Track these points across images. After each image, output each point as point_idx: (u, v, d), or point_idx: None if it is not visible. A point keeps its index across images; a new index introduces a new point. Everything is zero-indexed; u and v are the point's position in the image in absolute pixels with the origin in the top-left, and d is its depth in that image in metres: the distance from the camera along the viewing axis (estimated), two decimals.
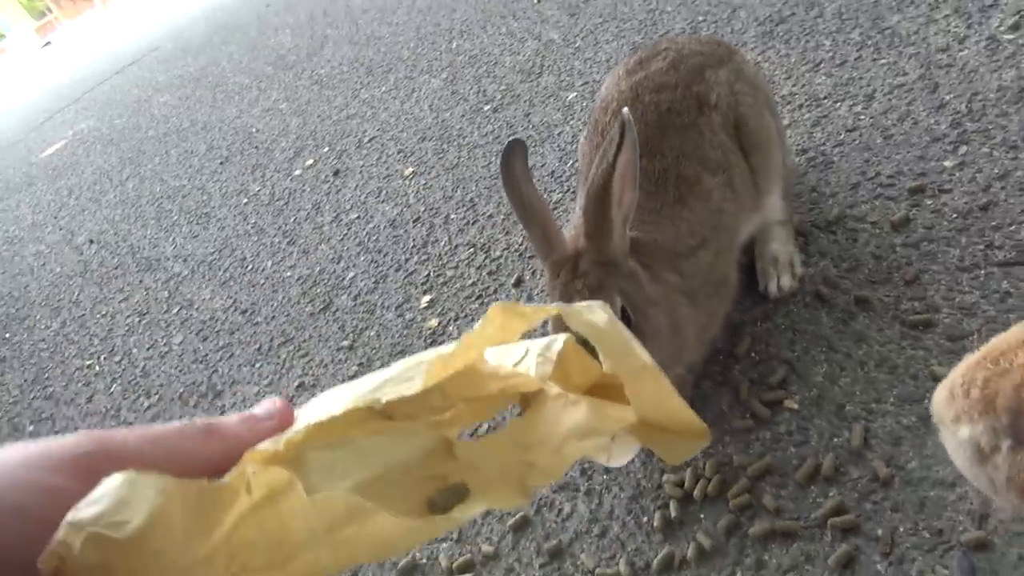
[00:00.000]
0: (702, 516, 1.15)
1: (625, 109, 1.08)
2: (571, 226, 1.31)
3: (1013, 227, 1.28)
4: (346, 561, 0.43)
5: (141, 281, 2.98)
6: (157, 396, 2.22)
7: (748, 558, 1.06)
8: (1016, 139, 1.43)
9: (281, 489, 0.41)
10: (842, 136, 1.68)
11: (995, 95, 1.56)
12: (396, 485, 0.45)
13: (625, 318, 1.08)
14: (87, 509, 0.35)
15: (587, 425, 0.49)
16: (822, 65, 1.95)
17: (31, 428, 2.45)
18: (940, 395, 0.69)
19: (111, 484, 0.36)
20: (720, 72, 1.39)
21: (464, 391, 0.50)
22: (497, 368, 0.52)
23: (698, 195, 1.27)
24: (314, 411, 0.46)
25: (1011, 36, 1.67)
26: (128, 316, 2.78)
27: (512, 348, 0.52)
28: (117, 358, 2.54)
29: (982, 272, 1.24)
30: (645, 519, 1.19)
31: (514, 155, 1.16)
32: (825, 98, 1.83)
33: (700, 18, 2.55)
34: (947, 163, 1.47)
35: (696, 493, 1.17)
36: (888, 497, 1.03)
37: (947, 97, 1.62)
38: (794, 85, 1.94)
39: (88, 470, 0.37)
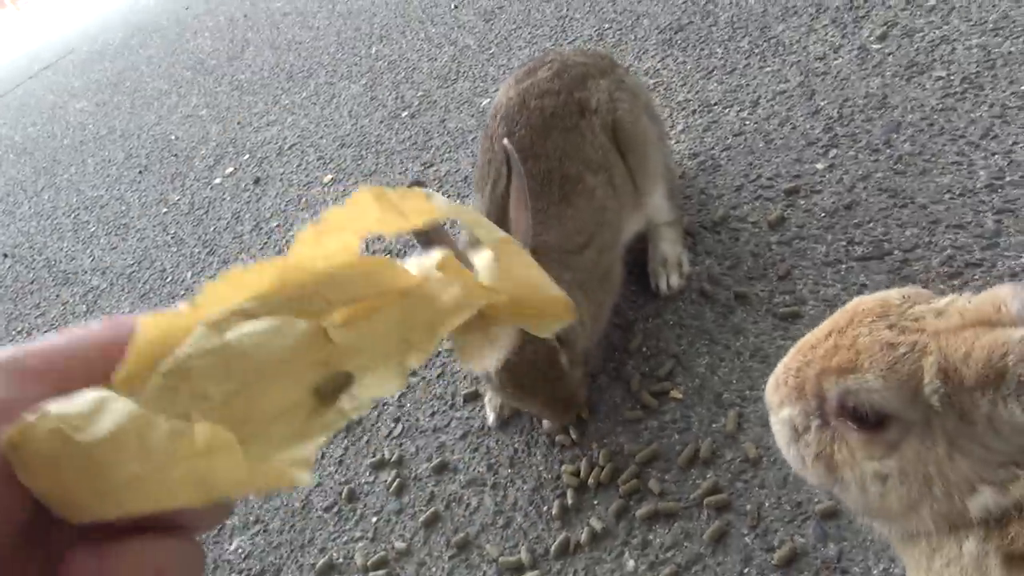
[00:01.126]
0: (595, 502, 1.24)
1: (505, 141, 1.16)
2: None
3: (871, 224, 1.41)
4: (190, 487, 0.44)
5: (58, 296, 2.93)
6: None
7: (635, 538, 1.16)
8: (878, 143, 1.57)
9: (221, 447, 0.42)
10: (729, 140, 1.80)
11: (863, 101, 1.69)
12: (279, 378, 0.44)
13: (562, 339, 1.20)
14: (59, 406, 0.39)
15: (462, 299, 0.49)
16: (714, 72, 2.07)
17: None
18: (769, 384, 0.79)
19: (86, 395, 0.40)
20: (601, 81, 1.49)
21: (341, 290, 0.48)
22: (371, 259, 0.50)
23: (581, 193, 1.35)
24: None
25: (879, 46, 1.82)
26: (45, 331, 2.73)
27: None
28: None
29: (843, 266, 1.36)
30: (545, 508, 1.27)
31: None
32: (716, 104, 1.95)
33: (606, 25, 2.65)
34: (819, 165, 1.60)
35: (591, 481, 1.26)
36: (757, 475, 1.14)
37: (822, 103, 1.75)
38: (689, 92, 2.05)
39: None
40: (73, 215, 3.60)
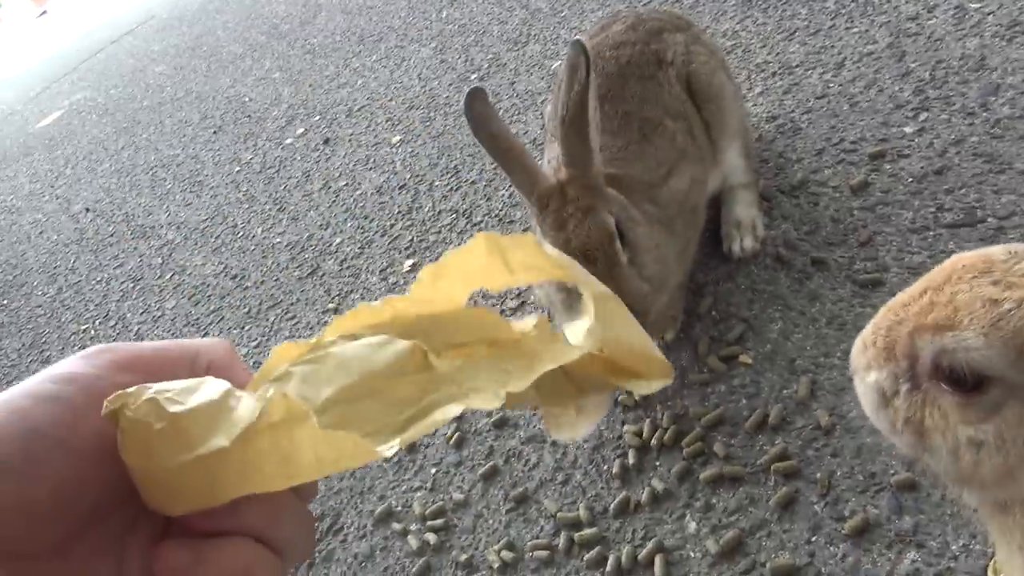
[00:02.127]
0: (658, 464, 1.21)
1: (578, 37, 1.13)
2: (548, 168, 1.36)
3: (963, 191, 1.33)
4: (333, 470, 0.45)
5: (135, 248, 3.03)
6: None
7: (698, 501, 1.13)
8: (974, 106, 1.48)
9: (297, 418, 0.43)
10: (811, 103, 1.73)
11: (958, 63, 1.59)
12: (376, 394, 0.47)
13: (622, 233, 1.14)
14: (158, 385, 0.41)
15: (561, 350, 0.50)
16: (797, 34, 1.98)
17: None
18: (855, 346, 0.75)
19: (189, 380, 0.43)
20: (677, 35, 1.45)
21: (449, 335, 0.51)
22: (480, 312, 0.54)
23: (661, 134, 1.33)
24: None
25: (977, 5, 1.70)
26: (123, 282, 2.83)
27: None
28: (112, 323, 2.61)
29: (931, 234, 1.29)
30: (605, 467, 1.25)
31: (475, 101, 1.21)
32: (797, 66, 1.87)
33: None
34: (907, 129, 1.51)
35: (653, 442, 1.23)
36: (829, 444, 1.10)
37: (912, 65, 1.65)
38: (769, 53, 1.97)
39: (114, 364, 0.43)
40: (151, 172, 3.71)
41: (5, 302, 3.26)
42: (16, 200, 4.50)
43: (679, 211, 1.28)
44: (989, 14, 1.67)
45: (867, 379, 0.71)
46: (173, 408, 0.41)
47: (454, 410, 0.46)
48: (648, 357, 0.53)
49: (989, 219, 1.26)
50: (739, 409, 1.21)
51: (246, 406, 0.43)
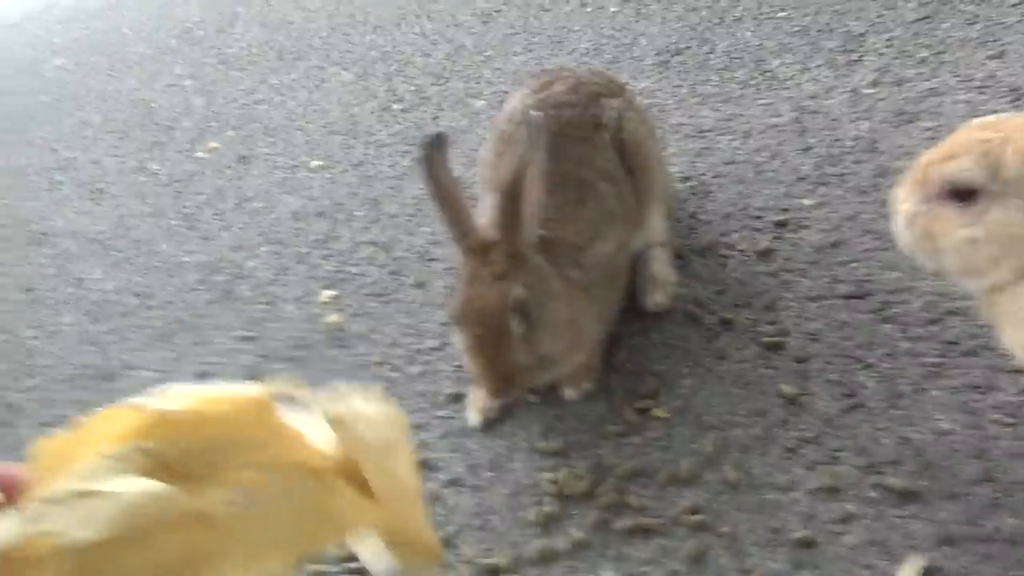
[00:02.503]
0: (574, 512, 1.27)
1: (534, 112, 1.19)
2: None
3: (855, 264, 1.47)
4: None
5: (27, 256, 2.86)
6: (42, 377, 2.17)
7: (612, 551, 1.19)
8: (866, 185, 1.63)
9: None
10: (721, 168, 1.85)
11: (852, 143, 1.76)
12: (137, 549, 0.44)
13: (522, 308, 1.19)
14: None
15: (348, 516, 0.50)
16: (709, 99, 2.12)
17: None
18: (896, 190, 1.03)
19: None
20: (613, 100, 1.54)
21: (241, 449, 0.49)
22: (285, 432, 0.52)
23: (594, 197, 1.42)
24: None
25: (871, 91, 1.89)
26: (12, 291, 2.67)
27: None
28: (1, 337, 2.45)
29: (827, 302, 1.42)
30: (522, 514, 1.30)
31: (435, 147, 1.27)
32: (709, 131, 2.00)
33: (604, 40, 2.69)
34: (807, 201, 1.65)
35: (570, 491, 1.29)
36: (735, 499, 1.18)
37: (812, 141, 1.81)
38: (683, 116, 2.10)
39: None
40: (47, 174, 3.51)
41: None
42: None
43: (601, 274, 1.36)
44: (880, 100, 1.85)
45: (902, 208, 1.00)
46: None
47: None
48: (422, 536, 0.54)
49: (878, 293, 1.40)
50: (653, 462, 1.28)
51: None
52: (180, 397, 0.48)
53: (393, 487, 0.50)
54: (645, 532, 1.19)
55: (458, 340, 1.28)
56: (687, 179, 1.86)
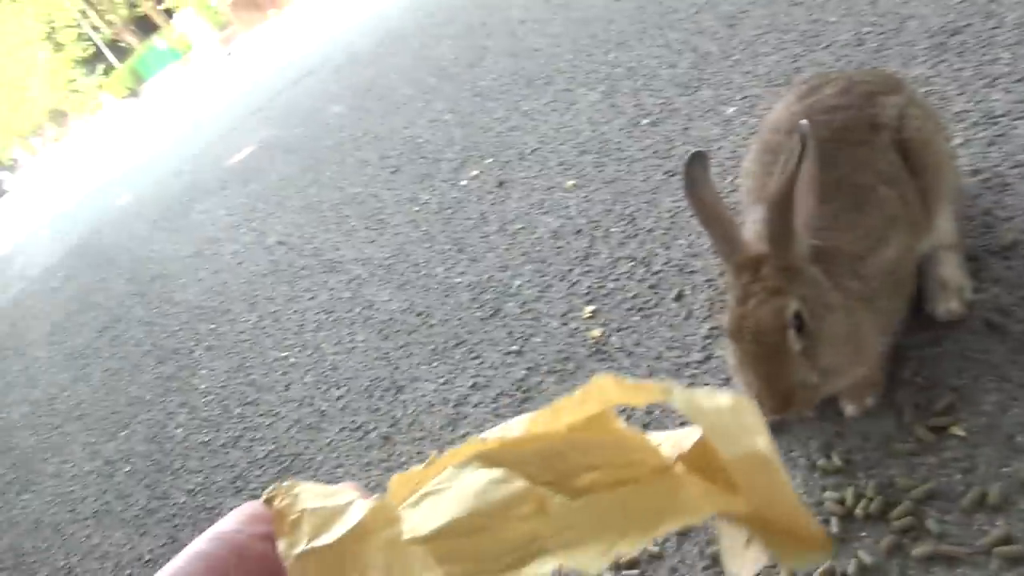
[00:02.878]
0: (863, 534, 1.21)
1: (803, 121, 1.16)
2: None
3: None
4: None
5: (326, 282, 3.31)
6: (345, 388, 2.49)
7: None
8: None
9: (391, 526, 0.47)
10: (1020, 157, 1.65)
11: None
12: (485, 532, 0.47)
13: (799, 323, 1.16)
14: (308, 485, 0.50)
15: (696, 504, 0.48)
16: (999, 80, 1.90)
17: (238, 410, 2.81)
18: None
19: (331, 487, 0.50)
20: (891, 98, 1.44)
21: (588, 455, 0.50)
22: (624, 430, 0.52)
23: (874, 202, 1.33)
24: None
25: None
26: (316, 313, 3.10)
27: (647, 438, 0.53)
28: (309, 352, 2.86)
29: None
30: None
31: (696, 164, 1.27)
32: (1003, 116, 1.79)
33: (866, 29, 2.51)
34: None
35: (858, 512, 1.23)
36: None
37: None
38: (968, 101, 1.90)
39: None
40: (336, 209, 4.03)
41: (212, 326, 3.64)
42: (216, 231, 5.00)
43: (885, 283, 1.28)
44: None
45: None
46: (305, 502, 0.48)
47: (548, 566, 0.45)
48: (802, 524, 0.49)
49: None
50: (953, 484, 1.18)
51: (355, 512, 0.47)
52: (518, 424, 0.53)
53: (756, 472, 0.47)
54: (948, 560, 1.10)
55: (731, 357, 1.28)
56: (978, 172, 1.68)
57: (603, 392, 0.50)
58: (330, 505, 0.48)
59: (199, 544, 0.50)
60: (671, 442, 0.53)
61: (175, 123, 13.19)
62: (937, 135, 1.44)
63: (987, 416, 1.23)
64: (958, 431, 1.24)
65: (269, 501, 0.49)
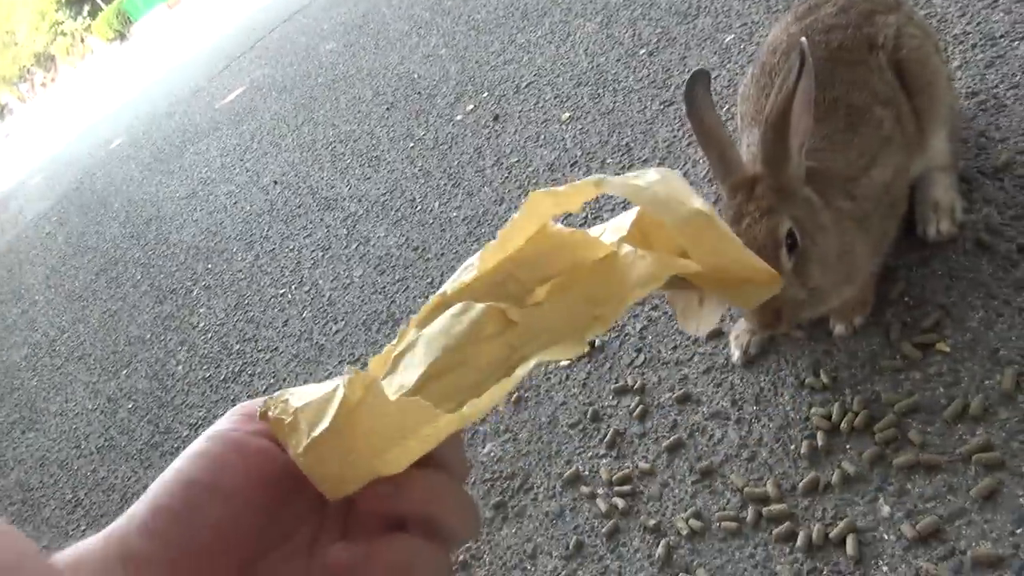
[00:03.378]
0: (848, 446, 1.24)
1: (803, 39, 1.14)
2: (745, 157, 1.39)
3: None
4: (433, 439, 0.47)
5: (322, 219, 3.31)
6: (343, 322, 2.51)
7: (891, 486, 1.15)
8: None
9: (372, 392, 0.47)
10: (1018, 78, 1.64)
11: None
12: (463, 364, 0.49)
13: (792, 242, 1.16)
14: (296, 389, 0.50)
15: (650, 272, 0.49)
16: (1000, 1, 1.87)
17: (237, 346, 2.84)
18: None
19: (319, 384, 0.50)
20: (889, 17, 1.42)
21: (535, 269, 0.52)
22: (562, 233, 0.53)
23: (868, 122, 1.33)
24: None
25: None
26: (313, 251, 3.11)
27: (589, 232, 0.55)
28: (306, 288, 2.88)
29: None
30: (792, 447, 1.29)
31: (698, 83, 1.26)
32: (1002, 37, 1.76)
33: None
34: None
35: (843, 426, 1.26)
36: None
37: None
38: (968, 23, 1.87)
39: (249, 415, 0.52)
40: (330, 148, 3.99)
41: (210, 266, 3.65)
42: (210, 172, 4.97)
43: (877, 204, 1.28)
44: None
45: None
46: (295, 403, 0.48)
47: (529, 365, 0.47)
48: (752, 267, 0.51)
49: None
50: (936, 398, 1.21)
51: (338, 392, 0.47)
52: (470, 267, 0.55)
53: (701, 230, 0.48)
54: (928, 468, 1.13)
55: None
56: (975, 94, 1.66)
57: (539, 206, 0.51)
58: (317, 396, 0.49)
59: (197, 444, 0.50)
60: (611, 229, 0.54)
61: (165, 65, 12.96)
62: (934, 55, 1.42)
63: (972, 332, 1.25)
64: (943, 347, 1.26)
65: (264, 415, 0.50)
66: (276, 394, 0.50)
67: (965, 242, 1.39)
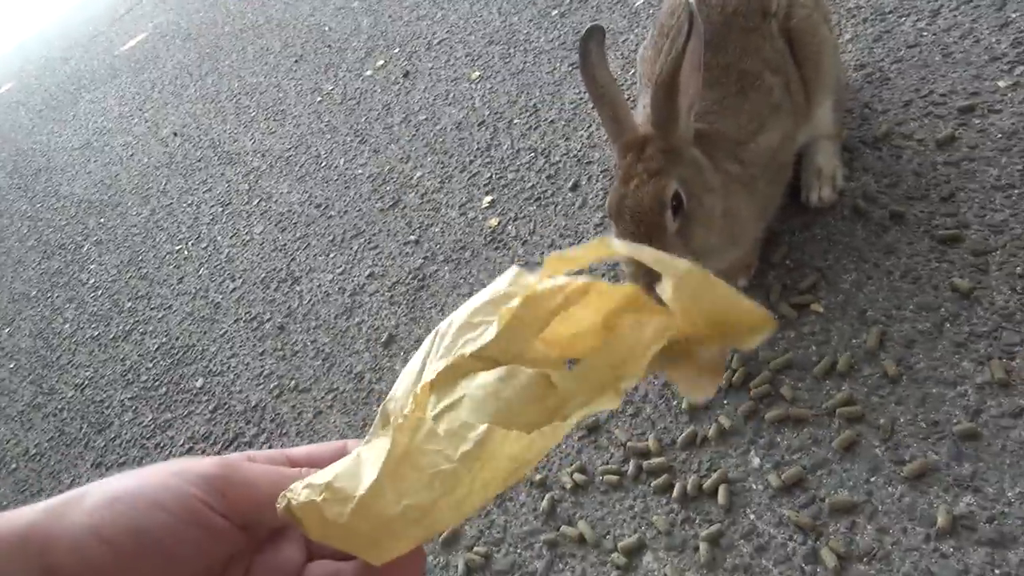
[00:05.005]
0: (725, 402, 1.28)
1: (691, 0, 1.15)
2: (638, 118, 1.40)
3: None
4: (490, 485, 0.48)
5: (223, 174, 3.18)
6: (241, 280, 2.44)
7: (762, 439, 1.20)
8: None
9: (415, 429, 0.47)
10: (902, 52, 1.70)
11: None
12: (512, 421, 0.48)
13: (677, 203, 1.18)
14: (307, 478, 0.49)
15: (659, 331, 0.52)
16: None
17: (129, 304, 2.72)
18: None
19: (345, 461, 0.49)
20: None
21: (536, 326, 0.53)
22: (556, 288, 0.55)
23: (759, 89, 1.35)
24: (407, 377, 0.53)
25: None
26: (212, 206, 2.99)
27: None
28: (203, 244, 2.77)
29: (1016, 192, 1.29)
30: (675, 403, 1.33)
31: (592, 40, 1.25)
32: (891, 12, 1.83)
33: None
34: (1001, 83, 1.49)
35: (722, 383, 1.30)
36: (894, 392, 1.15)
37: (1013, 15, 1.61)
38: None
39: (216, 489, 0.49)
40: (235, 99, 3.83)
41: (103, 220, 3.47)
42: (106, 122, 4.71)
43: (764, 169, 1.31)
44: None
45: None
46: (323, 479, 0.47)
47: (571, 423, 0.48)
48: (745, 312, 0.53)
49: None
50: (808, 355, 1.26)
51: (378, 447, 0.47)
52: (481, 324, 0.54)
53: (696, 285, 0.50)
54: (796, 422, 1.19)
55: (612, 236, 1.30)
56: (862, 67, 1.72)
57: (555, 268, 0.52)
58: (340, 468, 0.48)
59: (161, 491, 0.48)
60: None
61: (63, 6, 12.12)
62: (822, 26, 1.46)
63: (844, 293, 1.31)
64: (818, 308, 1.32)
65: (288, 509, 0.48)
66: (292, 487, 0.49)
67: (844, 208, 1.45)
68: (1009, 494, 0.98)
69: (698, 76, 1.18)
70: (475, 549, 1.33)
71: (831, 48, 1.48)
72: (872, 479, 1.08)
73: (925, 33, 1.71)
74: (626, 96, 2.13)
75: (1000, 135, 1.40)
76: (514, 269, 0.54)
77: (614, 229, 1.27)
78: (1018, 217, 1.26)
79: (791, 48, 1.42)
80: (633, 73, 2.22)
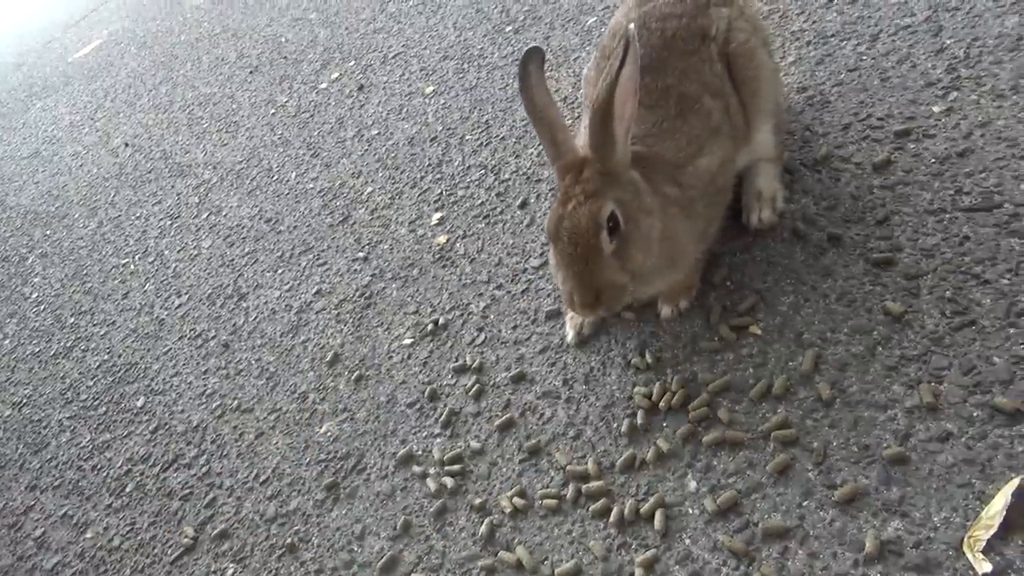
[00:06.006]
0: (664, 424, 1.28)
1: (631, 25, 1.15)
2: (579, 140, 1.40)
3: (984, 174, 1.35)
4: None
5: (173, 186, 3.12)
6: (187, 296, 2.39)
7: (699, 462, 1.20)
8: (1004, 88, 1.48)
9: None
10: (843, 76, 1.73)
11: (994, 41, 1.59)
12: None
13: (613, 225, 1.18)
14: None
15: None
16: (835, 2, 1.97)
17: (71, 320, 2.65)
18: None
19: None
20: (723, 9, 1.46)
21: None
22: None
23: (698, 112, 1.35)
24: None
25: None
26: (161, 219, 2.93)
27: None
28: (151, 259, 2.71)
29: (947, 216, 1.32)
30: (615, 425, 1.33)
31: (531, 62, 1.25)
32: (832, 36, 1.86)
33: None
34: (936, 108, 1.52)
35: (662, 404, 1.30)
36: (828, 416, 1.15)
37: (948, 41, 1.65)
38: (805, 21, 1.96)
39: None
40: (188, 110, 3.77)
41: (48, 232, 3.38)
42: (56, 131, 4.60)
43: (703, 191, 1.31)
44: None
45: None
46: None
47: None
48: None
49: (1006, 204, 1.29)
50: (745, 377, 1.27)
51: None
52: None
53: None
54: (733, 445, 1.19)
55: (551, 258, 1.29)
56: (804, 89, 1.75)
57: None
58: None
59: None
60: None
61: (13, 10, 11.85)
62: (760, 50, 1.47)
63: (782, 316, 1.32)
64: (756, 330, 1.32)
65: None
66: None
67: (783, 231, 1.46)
68: (935, 519, 0.99)
69: (634, 101, 1.18)
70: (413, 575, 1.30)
71: (770, 73, 1.49)
72: (804, 503, 1.08)
73: (865, 57, 1.75)
74: (578, 115, 2.14)
75: (933, 160, 1.43)
76: None
77: (552, 250, 1.26)
78: (948, 242, 1.28)
79: (730, 72, 1.44)
80: (583, 92, 2.23)
